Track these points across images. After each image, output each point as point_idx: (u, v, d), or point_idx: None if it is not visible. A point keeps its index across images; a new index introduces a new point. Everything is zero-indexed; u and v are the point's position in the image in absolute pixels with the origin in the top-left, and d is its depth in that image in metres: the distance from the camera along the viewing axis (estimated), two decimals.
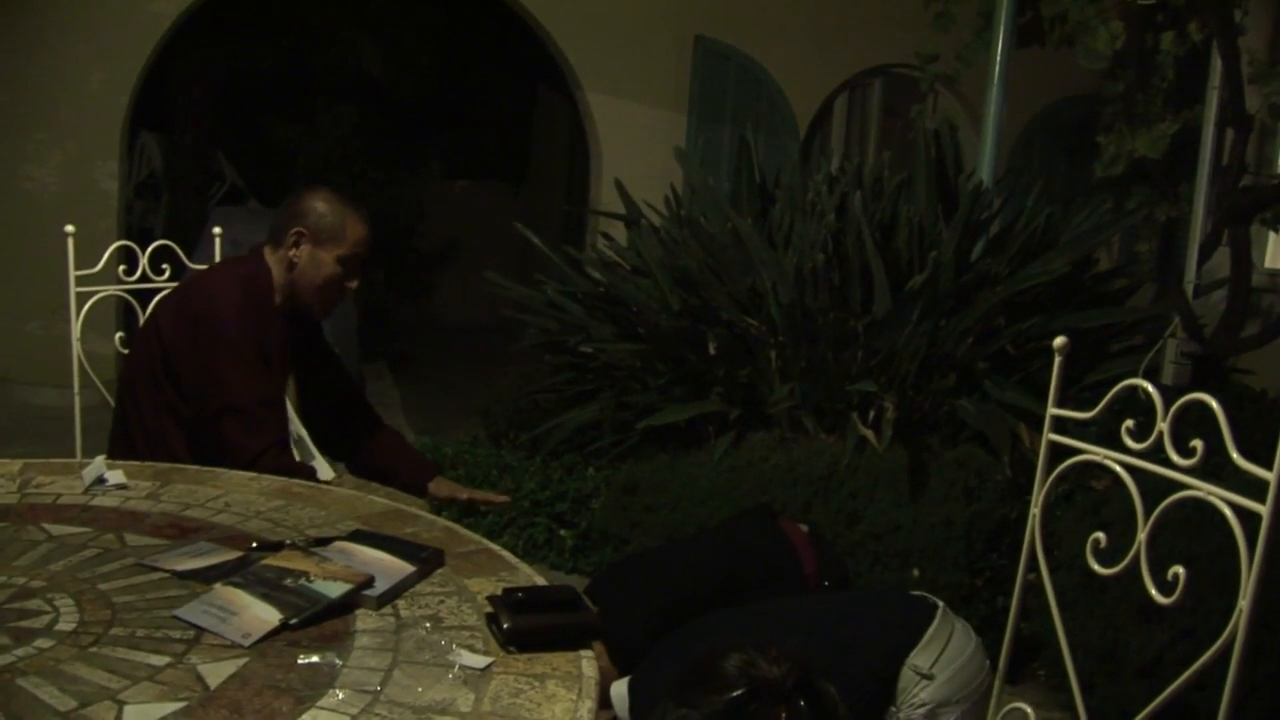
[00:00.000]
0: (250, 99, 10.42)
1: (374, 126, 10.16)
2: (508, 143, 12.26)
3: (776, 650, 1.47)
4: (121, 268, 3.39)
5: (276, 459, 2.70)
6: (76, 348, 3.30)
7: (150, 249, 3.41)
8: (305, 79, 10.42)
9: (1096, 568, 1.96)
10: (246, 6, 9.26)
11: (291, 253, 2.83)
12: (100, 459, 2.43)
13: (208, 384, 2.71)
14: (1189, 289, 5.27)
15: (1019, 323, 4.41)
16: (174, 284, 3.17)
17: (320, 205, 2.85)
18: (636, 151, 7.64)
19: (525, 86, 11.86)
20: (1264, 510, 1.73)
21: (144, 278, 3.39)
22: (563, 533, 4.64)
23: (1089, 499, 3.86)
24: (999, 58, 5.10)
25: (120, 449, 2.78)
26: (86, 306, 3.31)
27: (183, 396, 2.76)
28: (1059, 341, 2.07)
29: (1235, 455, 1.77)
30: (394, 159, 10.15)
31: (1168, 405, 1.87)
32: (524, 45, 8.60)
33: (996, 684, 2.23)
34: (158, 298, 3.17)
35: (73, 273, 3.29)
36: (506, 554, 2.12)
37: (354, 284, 2.90)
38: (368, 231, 2.89)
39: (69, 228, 3.27)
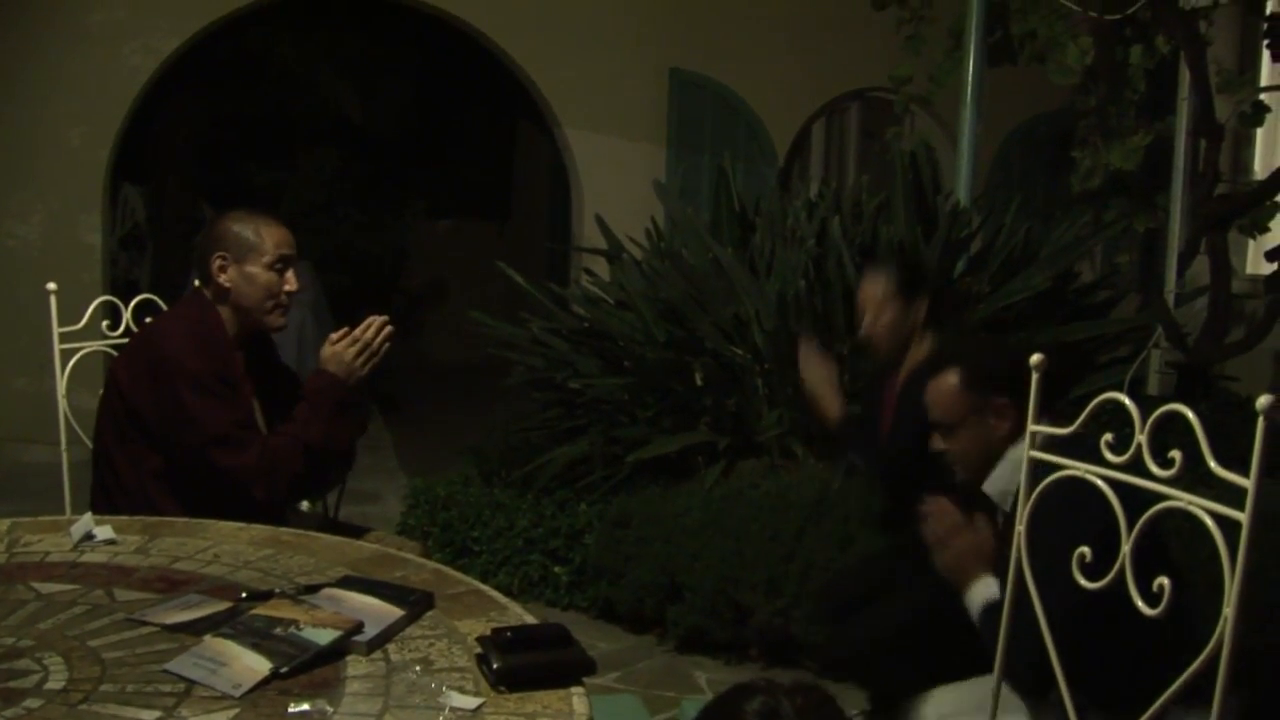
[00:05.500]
0: (231, 146, 10.45)
1: (356, 169, 10.19)
2: (490, 180, 12.30)
3: (803, 699, 1.41)
4: (105, 323, 3.40)
5: (270, 458, 2.73)
6: (62, 405, 3.30)
7: (133, 303, 3.42)
8: (285, 124, 10.46)
9: (1082, 582, 1.97)
10: (224, 55, 9.29)
11: (221, 279, 2.86)
12: (88, 515, 2.44)
13: (180, 423, 2.72)
14: (1170, 298, 5.30)
15: (1003, 339, 4.43)
16: None
17: (232, 225, 2.89)
18: (617, 185, 7.67)
19: (505, 123, 11.91)
20: (1243, 517, 1.75)
21: (128, 332, 3.39)
22: (557, 569, 4.64)
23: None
24: (971, 77, 5.13)
25: (102, 509, 2.77)
26: (71, 363, 3.32)
27: (153, 447, 2.77)
28: (1035, 359, 2.09)
29: (1213, 464, 1.79)
30: (377, 200, 10.18)
31: (1145, 417, 1.89)
32: (502, 82, 8.64)
33: (992, 701, 2.23)
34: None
35: (56, 330, 3.30)
36: (496, 594, 2.12)
37: (292, 286, 2.92)
38: (285, 231, 2.93)
39: (50, 285, 3.28)
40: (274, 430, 2.88)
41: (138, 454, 2.79)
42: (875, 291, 3.37)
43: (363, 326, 2.88)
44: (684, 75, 7.94)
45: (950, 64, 5.53)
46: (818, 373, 3.54)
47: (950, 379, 2.63)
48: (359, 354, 2.86)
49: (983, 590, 2.53)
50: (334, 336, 2.89)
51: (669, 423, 4.61)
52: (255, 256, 2.86)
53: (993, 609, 2.46)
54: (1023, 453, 2.43)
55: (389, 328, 2.90)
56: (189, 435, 2.72)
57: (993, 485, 2.61)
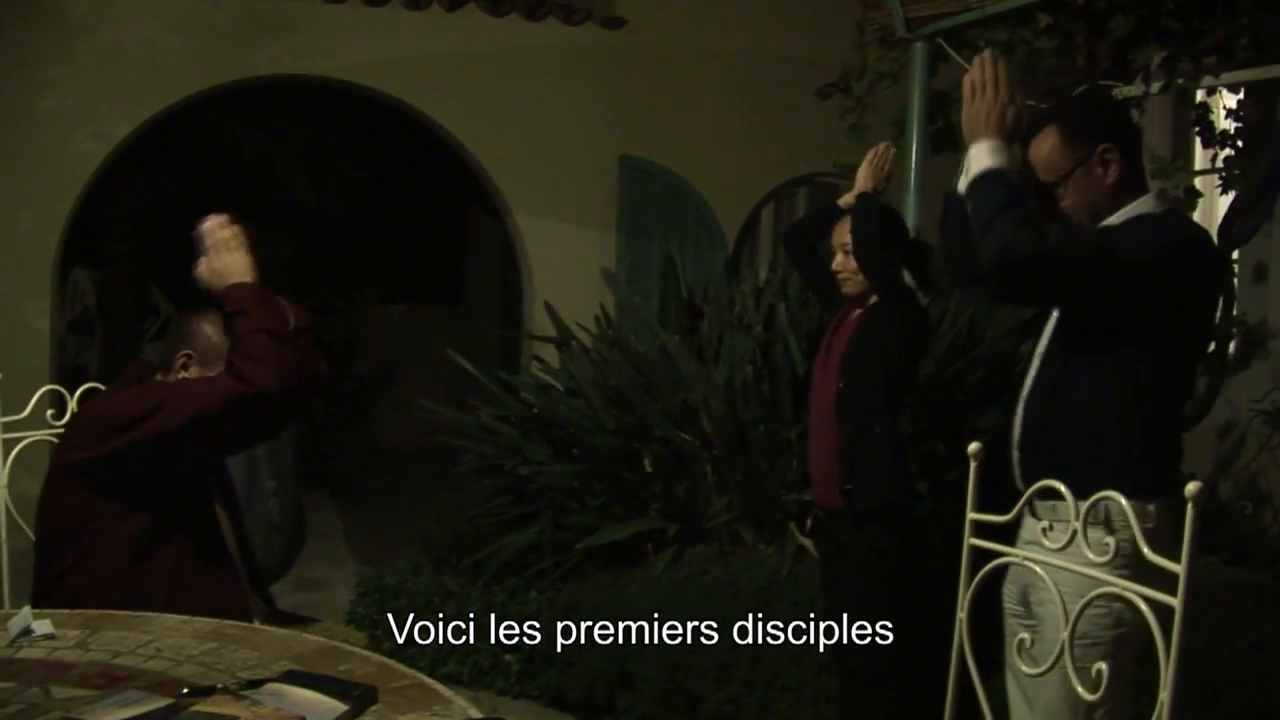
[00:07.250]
0: (183, 231, 10.41)
1: (308, 253, 10.20)
2: (442, 266, 12.35)
3: None
4: (50, 412, 3.38)
5: (239, 361, 2.70)
6: (3, 496, 3.26)
7: (78, 392, 3.40)
8: (237, 209, 10.44)
9: (1023, 668, 2.00)
10: (176, 139, 9.31)
11: (181, 376, 2.86)
12: (26, 609, 2.40)
13: (160, 421, 2.65)
14: None
15: (949, 421, 4.48)
16: None
17: (206, 328, 2.89)
18: (567, 271, 7.72)
19: (458, 208, 11.99)
20: (1176, 603, 1.78)
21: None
22: (507, 657, 4.60)
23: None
24: (913, 164, 5.23)
25: (43, 602, 2.72)
26: (14, 453, 3.29)
27: (127, 510, 2.72)
28: (973, 447, 2.13)
29: (1146, 550, 1.82)
30: (329, 285, 10.18)
31: (1079, 504, 1.92)
32: (455, 168, 8.71)
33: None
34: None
35: None
36: (440, 687, 2.10)
37: None
38: None
39: None
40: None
41: (104, 539, 2.74)
42: (846, 236, 3.49)
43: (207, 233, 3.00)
44: (633, 162, 8.04)
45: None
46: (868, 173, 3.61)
47: (1049, 138, 2.57)
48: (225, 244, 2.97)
49: (984, 153, 2.48)
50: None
51: (619, 509, 4.61)
52: (220, 365, 2.85)
53: (985, 177, 2.45)
54: (1142, 208, 2.53)
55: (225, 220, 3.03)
56: (173, 419, 2.64)
57: None
